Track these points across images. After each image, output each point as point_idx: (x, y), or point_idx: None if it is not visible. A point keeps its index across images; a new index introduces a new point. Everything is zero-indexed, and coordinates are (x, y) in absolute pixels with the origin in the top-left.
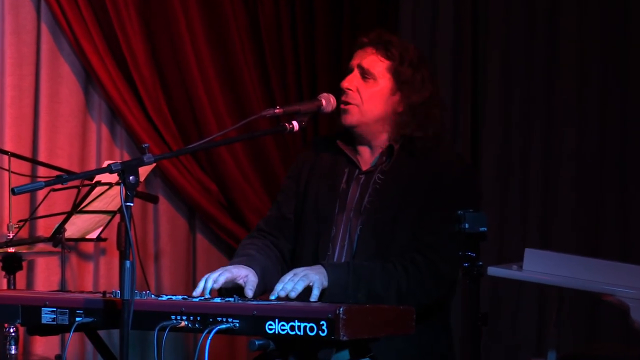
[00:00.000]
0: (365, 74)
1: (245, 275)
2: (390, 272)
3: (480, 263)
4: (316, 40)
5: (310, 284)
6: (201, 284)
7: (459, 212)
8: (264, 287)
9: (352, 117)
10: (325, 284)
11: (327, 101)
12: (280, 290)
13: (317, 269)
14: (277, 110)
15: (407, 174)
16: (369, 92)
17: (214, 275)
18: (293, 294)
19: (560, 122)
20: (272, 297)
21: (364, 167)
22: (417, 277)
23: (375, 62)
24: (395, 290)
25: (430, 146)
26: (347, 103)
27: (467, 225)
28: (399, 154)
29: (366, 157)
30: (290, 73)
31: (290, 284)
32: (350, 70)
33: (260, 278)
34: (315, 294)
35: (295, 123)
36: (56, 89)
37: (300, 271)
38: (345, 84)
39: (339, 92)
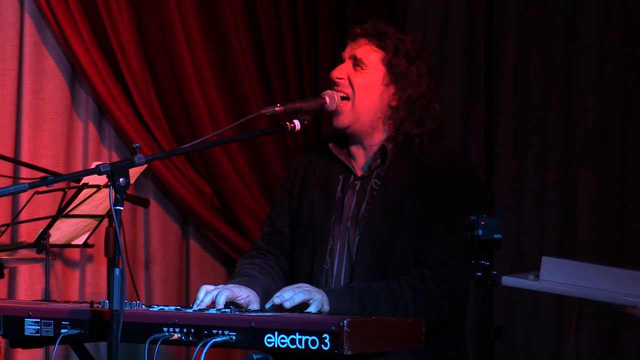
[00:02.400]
0: (357, 64)
1: (247, 296)
2: (396, 294)
3: (495, 272)
4: (319, 35)
5: (310, 301)
6: (201, 296)
7: (472, 217)
8: None
9: (345, 117)
10: (327, 307)
11: (331, 99)
12: (276, 297)
13: (321, 291)
14: (277, 108)
15: (405, 178)
16: (361, 82)
17: (212, 293)
18: (288, 304)
19: (578, 124)
20: (267, 306)
21: (359, 172)
22: (426, 295)
23: (367, 52)
24: (403, 313)
25: (428, 144)
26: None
27: (480, 232)
28: (394, 155)
29: (360, 160)
30: (291, 69)
31: (289, 293)
32: (342, 61)
33: (263, 300)
34: (311, 311)
35: (296, 122)
36: (40, 84)
37: (305, 285)
38: (335, 73)
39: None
